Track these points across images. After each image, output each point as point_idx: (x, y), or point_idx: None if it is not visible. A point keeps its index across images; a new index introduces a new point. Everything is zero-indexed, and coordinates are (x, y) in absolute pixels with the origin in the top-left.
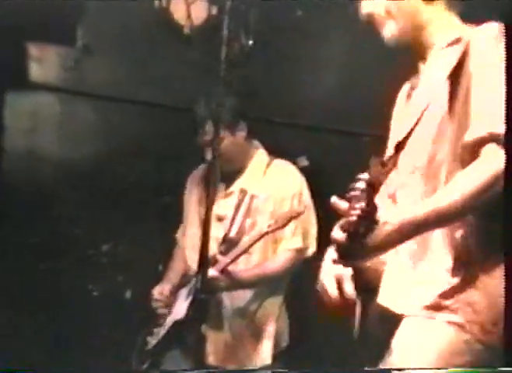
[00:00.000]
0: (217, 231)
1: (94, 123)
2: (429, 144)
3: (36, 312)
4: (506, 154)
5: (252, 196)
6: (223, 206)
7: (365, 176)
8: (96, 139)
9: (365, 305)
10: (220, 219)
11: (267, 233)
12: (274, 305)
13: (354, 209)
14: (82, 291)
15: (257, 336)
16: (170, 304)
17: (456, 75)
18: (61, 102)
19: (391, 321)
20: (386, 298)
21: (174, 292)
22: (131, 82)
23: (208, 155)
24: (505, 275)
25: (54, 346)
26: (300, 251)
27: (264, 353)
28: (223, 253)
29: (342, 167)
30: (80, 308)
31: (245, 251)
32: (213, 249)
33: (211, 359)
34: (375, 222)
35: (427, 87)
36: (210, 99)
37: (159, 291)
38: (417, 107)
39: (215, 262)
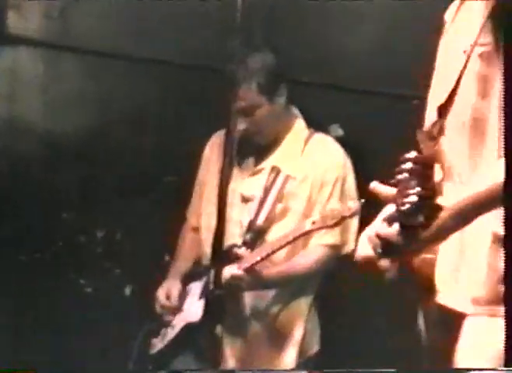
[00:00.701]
0: (241, 215)
1: (85, 86)
2: (474, 99)
3: (19, 313)
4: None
5: (286, 177)
6: (251, 185)
7: (412, 154)
8: (89, 105)
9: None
10: (246, 200)
11: (310, 232)
12: (302, 306)
13: (406, 195)
14: (72, 287)
15: (281, 340)
16: (178, 308)
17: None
18: (45, 59)
19: (452, 321)
20: (444, 294)
21: (184, 289)
22: (130, 35)
23: (241, 125)
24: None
25: (37, 350)
26: (336, 247)
27: (289, 360)
28: (248, 244)
29: (386, 138)
30: (70, 306)
31: (279, 249)
32: (234, 236)
33: (228, 365)
34: (437, 209)
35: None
36: (243, 57)
37: (165, 294)
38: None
39: (235, 254)
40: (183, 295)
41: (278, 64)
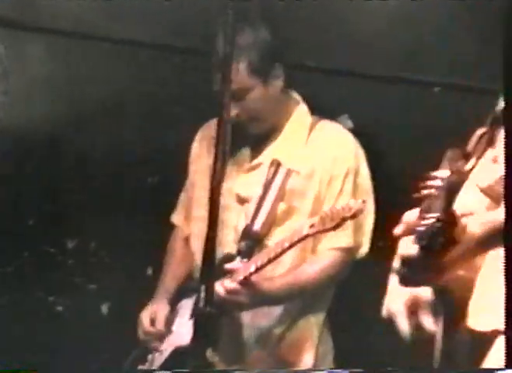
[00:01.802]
0: (236, 219)
1: (53, 71)
2: None
3: None
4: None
5: (288, 172)
6: (247, 183)
7: (443, 173)
8: (56, 93)
9: (449, 332)
10: (242, 201)
11: (307, 236)
12: (312, 325)
13: (428, 217)
14: (40, 306)
15: (287, 368)
16: (165, 333)
17: None
18: (5, 39)
19: (482, 343)
20: (475, 317)
21: (173, 309)
22: (105, 13)
23: (232, 111)
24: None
25: None
26: (349, 251)
27: None
28: (243, 253)
29: (403, 130)
30: (39, 328)
31: (276, 257)
32: (229, 244)
33: None
34: (458, 232)
35: None
36: (233, 35)
37: (150, 318)
38: None
39: (230, 270)
40: (171, 317)
41: (273, 42)
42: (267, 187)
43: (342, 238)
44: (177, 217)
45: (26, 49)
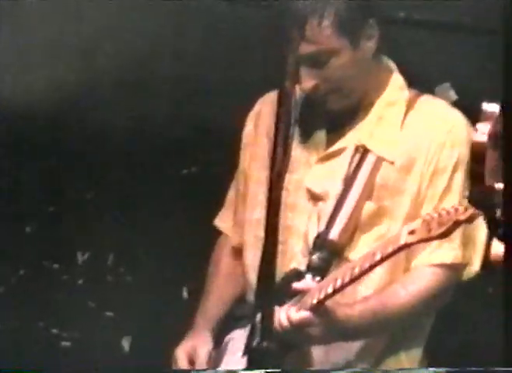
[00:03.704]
0: (307, 223)
1: (57, 28)
2: None
3: None
4: None
5: (379, 161)
6: (323, 174)
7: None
8: (62, 58)
9: None
10: (315, 199)
11: (406, 246)
12: (404, 365)
13: None
14: (42, 340)
15: None
16: None
17: None
18: None
19: None
20: None
21: (220, 343)
22: None
23: (308, 81)
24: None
25: None
26: (455, 268)
27: None
28: (316, 268)
29: None
30: (42, 366)
31: (362, 275)
32: (296, 257)
33: None
34: None
35: None
36: None
37: (188, 355)
38: None
39: (296, 286)
40: (217, 355)
41: None
42: (349, 181)
43: (447, 251)
44: (223, 221)
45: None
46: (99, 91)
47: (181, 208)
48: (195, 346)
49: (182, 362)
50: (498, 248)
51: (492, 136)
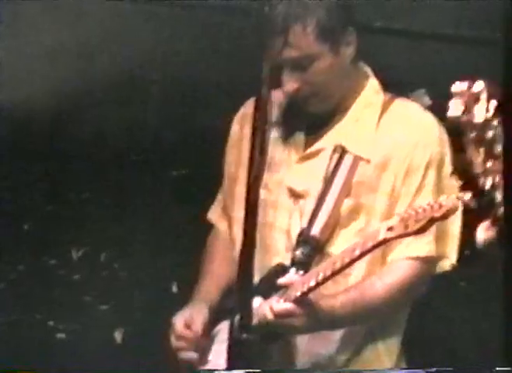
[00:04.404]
0: (289, 220)
1: (56, 35)
2: None
3: None
4: None
5: (356, 160)
6: (303, 174)
7: None
8: (60, 64)
9: None
10: (296, 197)
11: (385, 241)
12: (383, 354)
13: None
14: (38, 332)
15: None
16: (201, 346)
17: None
18: None
19: None
20: None
21: (210, 328)
22: None
23: (290, 84)
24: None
25: None
26: (430, 261)
27: None
28: (299, 263)
29: None
30: (35, 359)
31: (342, 269)
32: (280, 252)
33: None
34: None
35: None
36: None
37: (185, 321)
38: None
39: (280, 280)
40: (209, 330)
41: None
42: (328, 179)
43: (421, 245)
44: (214, 215)
45: (24, 8)
46: (94, 94)
47: (172, 207)
48: (192, 313)
49: (178, 326)
50: (482, 233)
51: (465, 111)
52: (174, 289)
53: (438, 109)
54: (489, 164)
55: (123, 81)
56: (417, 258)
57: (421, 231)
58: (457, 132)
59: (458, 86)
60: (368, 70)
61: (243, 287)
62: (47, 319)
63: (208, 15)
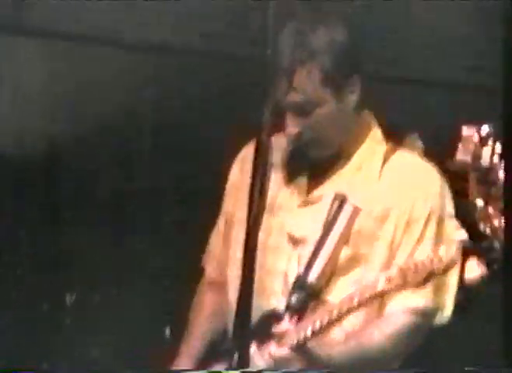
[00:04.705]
0: (287, 264)
1: (49, 79)
2: None
3: None
4: None
5: (356, 210)
6: (303, 219)
7: None
8: (54, 106)
9: None
10: (295, 243)
11: (384, 293)
12: None
13: None
14: None
15: None
16: None
17: None
18: None
19: None
20: None
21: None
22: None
23: (293, 129)
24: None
25: None
26: (427, 314)
27: None
28: (294, 309)
29: None
30: None
31: (340, 318)
32: (276, 297)
33: None
34: None
35: None
36: (302, 31)
37: None
38: None
39: (274, 327)
40: None
41: (352, 46)
42: (328, 227)
43: (419, 297)
44: (207, 261)
45: (19, 54)
46: (86, 137)
47: (164, 249)
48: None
49: None
50: (473, 270)
51: (473, 157)
52: (167, 333)
53: (432, 153)
54: (490, 209)
55: (116, 126)
56: (414, 310)
57: (420, 284)
58: (462, 176)
59: (466, 131)
60: (371, 118)
61: (241, 330)
62: (40, 364)
63: (209, 61)
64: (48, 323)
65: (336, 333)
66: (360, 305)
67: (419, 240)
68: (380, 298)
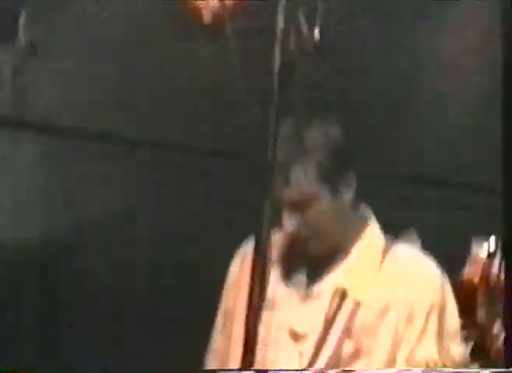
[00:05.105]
0: (289, 360)
1: (48, 180)
2: None
3: None
4: None
5: (357, 305)
6: (304, 315)
7: None
8: (50, 208)
9: None
10: (297, 338)
11: None
12: None
13: None
14: None
15: None
16: None
17: None
18: None
19: None
20: None
21: None
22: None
23: (290, 225)
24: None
25: None
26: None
27: None
28: None
29: None
30: None
31: None
32: None
33: None
34: None
35: None
36: (297, 129)
37: None
38: None
39: None
40: None
41: (347, 144)
42: (329, 322)
43: (423, 349)
44: (212, 359)
45: (16, 152)
46: (85, 241)
47: (162, 352)
48: None
49: None
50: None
51: (482, 277)
52: None
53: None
54: (495, 327)
55: (115, 224)
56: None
57: None
58: (470, 296)
59: (480, 250)
60: (369, 213)
61: None
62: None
63: (207, 160)
64: None
65: None
66: None
67: (422, 333)
68: None
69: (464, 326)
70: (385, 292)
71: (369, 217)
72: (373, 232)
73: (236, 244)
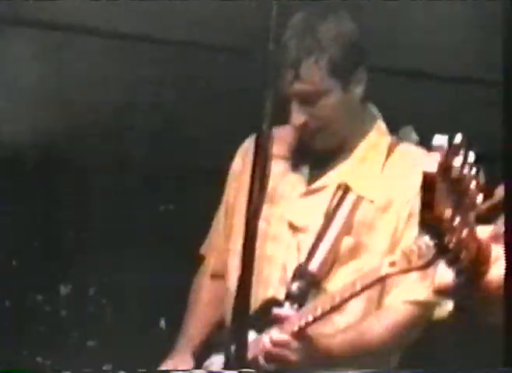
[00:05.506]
0: (287, 253)
1: (43, 73)
2: None
3: None
4: None
5: (359, 199)
6: (304, 209)
7: None
8: (47, 102)
9: None
10: (296, 231)
11: (387, 277)
12: None
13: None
14: (27, 367)
15: None
16: None
17: None
18: None
19: None
20: None
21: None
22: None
23: (298, 118)
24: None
25: None
26: (428, 307)
27: None
28: (294, 297)
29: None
30: None
31: (343, 304)
32: (275, 285)
33: None
34: None
35: None
36: (308, 23)
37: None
38: None
39: (274, 314)
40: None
41: (359, 38)
42: (330, 216)
43: (420, 289)
44: (207, 249)
45: (10, 46)
46: (81, 132)
47: (162, 242)
48: (176, 365)
49: None
50: (444, 277)
51: (441, 167)
52: (162, 324)
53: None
54: (456, 220)
55: (113, 118)
56: (416, 302)
57: (424, 267)
58: (430, 188)
59: (438, 139)
60: (376, 111)
61: (239, 319)
62: (35, 355)
63: (207, 54)
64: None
65: (337, 322)
66: (363, 290)
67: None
68: (381, 284)
69: (421, 220)
70: (387, 190)
71: (377, 115)
72: (379, 130)
73: (240, 138)
